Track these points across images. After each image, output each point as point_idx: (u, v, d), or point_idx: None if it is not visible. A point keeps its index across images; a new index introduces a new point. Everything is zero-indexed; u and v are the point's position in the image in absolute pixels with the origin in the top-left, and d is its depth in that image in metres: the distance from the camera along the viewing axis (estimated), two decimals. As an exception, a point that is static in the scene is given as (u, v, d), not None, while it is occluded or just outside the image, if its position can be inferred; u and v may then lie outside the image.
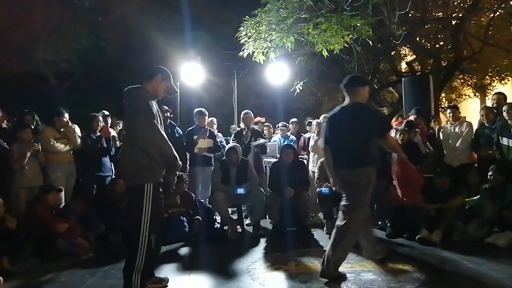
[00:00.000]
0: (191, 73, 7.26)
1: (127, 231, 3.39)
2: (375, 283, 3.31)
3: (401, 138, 5.41)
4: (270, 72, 7.42)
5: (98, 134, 5.51)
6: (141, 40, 11.06)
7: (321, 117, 6.29)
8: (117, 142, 5.96)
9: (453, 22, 10.31)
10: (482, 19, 10.94)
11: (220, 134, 6.73)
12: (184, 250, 4.54)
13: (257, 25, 6.18)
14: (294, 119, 7.49)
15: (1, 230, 3.83)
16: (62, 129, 5.22)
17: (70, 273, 3.80)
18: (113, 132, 5.94)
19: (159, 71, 3.24)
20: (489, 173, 4.76)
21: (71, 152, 5.27)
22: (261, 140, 6.11)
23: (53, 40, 10.16)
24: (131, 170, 3.05)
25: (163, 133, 3.09)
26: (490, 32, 10.43)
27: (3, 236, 3.81)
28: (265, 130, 7.52)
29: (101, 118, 5.67)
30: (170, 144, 3.08)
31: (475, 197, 4.91)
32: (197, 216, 5.08)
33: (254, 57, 6.39)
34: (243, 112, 6.37)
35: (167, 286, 3.35)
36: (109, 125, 6.03)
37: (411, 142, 5.51)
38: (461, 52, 10.19)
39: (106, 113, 6.12)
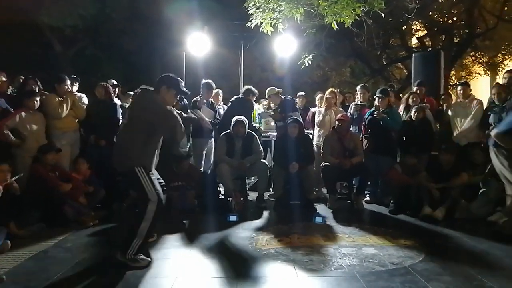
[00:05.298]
0: (197, 43, 7.12)
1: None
2: (377, 257, 3.34)
3: (415, 115, 5.35)
4: (277, 44, 7.27)
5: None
6: (147, 8, 10.84)
7: (327, 92, 6.18)
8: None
9: (468, -3, 10.00)
10: (499, -7, 10.61)
11: (225, 107, 6.66)
12: (187, 221, 4.57)
13: (266, -6, 6.01)
14: (301, 93, 7.37)
15: (8, 195, 3.87)
16: (63, 97, 5.05)
17: (75, 238, 3.87)
18: (118, 102, 5.87)
19: (162, 83, 3.22)
20: (497, 152, 4.70)
21: (76, 120, 5.24)
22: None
23: (57, 5, 9.97)
24: (120, 158, 3.19)
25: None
26: (506, 8, 10.13)
27: (10, 201, 3.85)
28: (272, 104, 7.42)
29: (110, 87, 5.57)
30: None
31: (480, 176, 4.88)
32: (192, 189, 5.05)
33: (262, 29, 6.23)
34: (268, 90, 6.19)
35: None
36: (116, 94, 5.97)
37: (425, 120, 5.45)
38: (474, 28, 9.94)
39: (114, 82, 6.04)
